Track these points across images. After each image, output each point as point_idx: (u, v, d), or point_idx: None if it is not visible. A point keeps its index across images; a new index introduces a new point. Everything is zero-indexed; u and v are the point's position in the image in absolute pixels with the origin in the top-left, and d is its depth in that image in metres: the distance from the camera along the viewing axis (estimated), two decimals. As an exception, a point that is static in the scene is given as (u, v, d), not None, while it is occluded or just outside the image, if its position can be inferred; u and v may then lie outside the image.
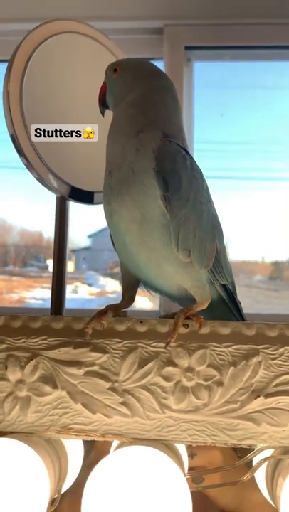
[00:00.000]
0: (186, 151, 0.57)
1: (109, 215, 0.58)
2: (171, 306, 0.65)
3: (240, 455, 0.59)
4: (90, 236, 1.79)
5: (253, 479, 0.57)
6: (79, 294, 1.75)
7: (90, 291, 1.78)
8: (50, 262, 1.73)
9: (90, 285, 1.81)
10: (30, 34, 0.69)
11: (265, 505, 0.56)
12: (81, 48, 0.75)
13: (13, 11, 1.05)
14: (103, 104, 0.64)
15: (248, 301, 1.39)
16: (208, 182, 0.60)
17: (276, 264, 1.54)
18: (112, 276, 1.78)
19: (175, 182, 0.54)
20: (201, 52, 1.10)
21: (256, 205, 1.29)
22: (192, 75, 1.11)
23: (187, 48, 1.07)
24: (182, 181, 0.54)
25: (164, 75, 0.61)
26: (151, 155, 0.54)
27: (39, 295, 1.74)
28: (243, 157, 1.28)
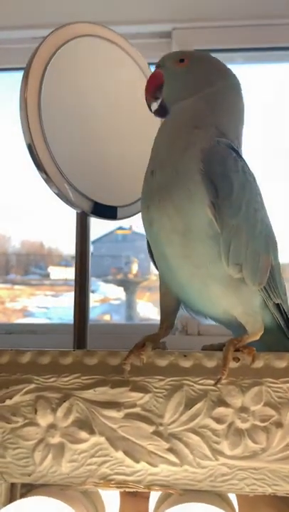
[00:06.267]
0: (237, 153, 0.52)
1: (148, 223, 0.52)
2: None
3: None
4: (92, 242, 1.75)
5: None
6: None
7: (94, 298, 1.76)
8: (51, 270, 1.71)
9: (92, 292, 1.78)
10: (47, 39, 0.63)
11: None
12: (99, 51, 0.69)
13: (22, 18, 1.01)
14: (153, 96, 0.57)
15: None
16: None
17: None
18: (114, 282, 1.76)
19: (226, 187, 0.48)
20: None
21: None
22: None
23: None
24: (234, 186, 0.49)
25: (233, 73, 0.57)
26: (198, 155, 0.49)
27: (42, 303, 1.72)
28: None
